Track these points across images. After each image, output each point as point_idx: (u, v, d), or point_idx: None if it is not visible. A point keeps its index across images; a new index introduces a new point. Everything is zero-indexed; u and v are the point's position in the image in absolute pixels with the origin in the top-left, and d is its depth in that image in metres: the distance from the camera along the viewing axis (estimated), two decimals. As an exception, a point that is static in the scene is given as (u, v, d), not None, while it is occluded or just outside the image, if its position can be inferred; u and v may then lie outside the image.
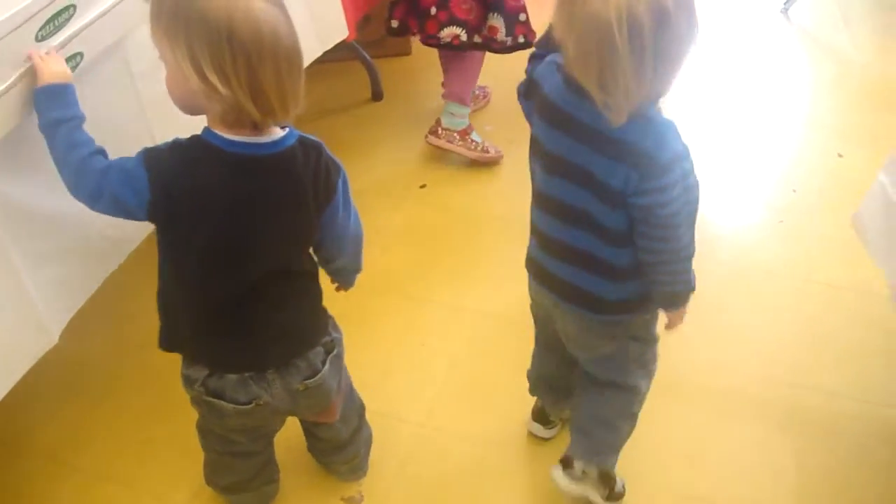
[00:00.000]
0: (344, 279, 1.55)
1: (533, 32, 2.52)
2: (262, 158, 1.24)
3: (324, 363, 1.44)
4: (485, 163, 2.68)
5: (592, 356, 1.57)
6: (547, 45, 1.41)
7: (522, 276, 2.25)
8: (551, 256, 1.48)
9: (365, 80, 2.99)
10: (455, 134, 2.64)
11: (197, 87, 1.14)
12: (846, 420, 1.87)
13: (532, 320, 1.68)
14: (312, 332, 1.45)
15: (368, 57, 2.94)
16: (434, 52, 2.89)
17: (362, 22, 2.71)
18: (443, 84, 2.68)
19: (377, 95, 2.98)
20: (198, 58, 1.12)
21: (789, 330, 2.07)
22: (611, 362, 1.55)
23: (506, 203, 2.55)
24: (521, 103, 1.48)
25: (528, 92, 1.42)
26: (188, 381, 1.43)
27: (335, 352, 1.47)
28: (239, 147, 1.22)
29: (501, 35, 2.48)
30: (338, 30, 2.27)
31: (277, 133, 1.25)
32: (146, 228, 1.56)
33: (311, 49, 2.22)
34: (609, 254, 1.38)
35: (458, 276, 2.32)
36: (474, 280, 2.30)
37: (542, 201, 1.44)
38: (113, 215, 1.26)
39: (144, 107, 1.56)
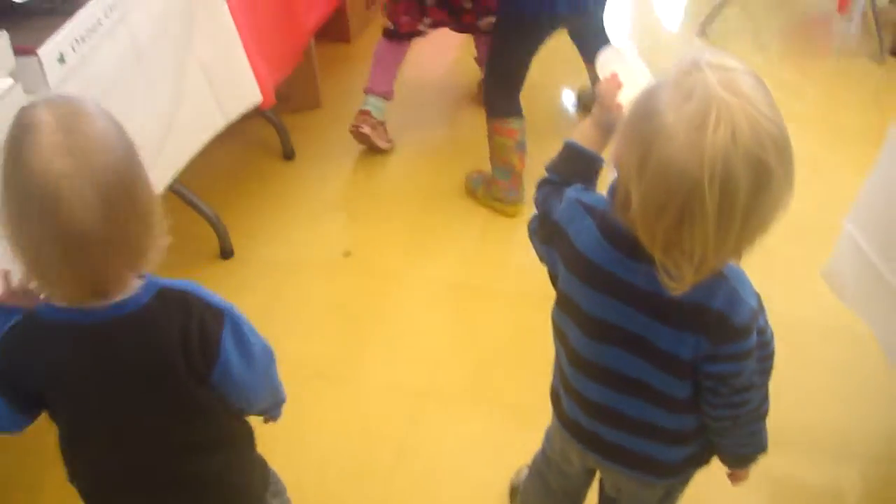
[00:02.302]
0: (270, 415, 1.32)
1: None
2: (106, 324, 1.02)
3: None
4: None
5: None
6: (558, 169, 1.21)
7: (463, 347, 2.11)
8: (600, 423, 1.23)
9: (273, 139, 2.80)
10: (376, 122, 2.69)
11: None
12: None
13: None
14: None
15: (275, 115, 2.74)
16: (346, 103, 2.74)
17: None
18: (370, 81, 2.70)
19: (288, 154, 2.78)
20: None
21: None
22: None
23: (436, 263, 2.39)
24: (534, 244, 1.22)
25: (549, 238, 1.17)
26: None
27: None
28: (72, 316, 1.02)
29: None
30: (247, 96, 2.08)
31: (129, 290, 1.03)
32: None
33: (214, 122, 2.05)
34: (673, 421, 1.17)
35: (393, 352, 2.14)
36: (411, 356, 2.13)
37: (583, 366, 1.19)
38: None
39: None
